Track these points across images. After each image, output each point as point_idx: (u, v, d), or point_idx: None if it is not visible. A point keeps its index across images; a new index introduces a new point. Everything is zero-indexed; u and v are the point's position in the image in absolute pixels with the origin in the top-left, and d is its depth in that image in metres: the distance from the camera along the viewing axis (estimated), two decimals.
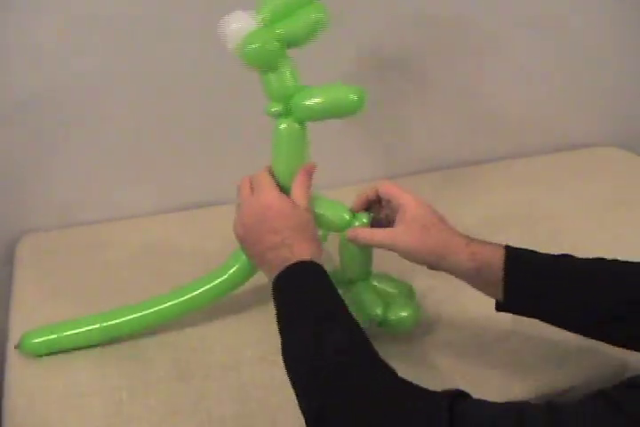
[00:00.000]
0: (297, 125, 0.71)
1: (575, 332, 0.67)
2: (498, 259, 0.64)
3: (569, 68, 1.14)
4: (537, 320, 0.75)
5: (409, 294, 0.79)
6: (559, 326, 0.67)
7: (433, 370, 0.75)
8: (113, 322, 0.77)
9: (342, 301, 0.61)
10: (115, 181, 1.00)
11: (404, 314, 0.74)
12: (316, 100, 0.68)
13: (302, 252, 0.64)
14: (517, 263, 0.64)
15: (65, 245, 0.97)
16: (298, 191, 0.71)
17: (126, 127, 0.95)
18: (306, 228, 0.67)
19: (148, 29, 0.87)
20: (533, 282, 0.64)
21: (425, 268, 0.70)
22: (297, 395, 0.56)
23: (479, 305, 0.83)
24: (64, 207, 1.01)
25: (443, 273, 0.79)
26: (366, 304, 0.75)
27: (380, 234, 0.69)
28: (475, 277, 0.66)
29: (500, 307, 0.67)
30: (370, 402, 0.51)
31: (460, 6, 0.99)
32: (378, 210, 0.74)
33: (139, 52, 0.88)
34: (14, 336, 0.80)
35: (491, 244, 0.67)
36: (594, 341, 0.75)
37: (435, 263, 0.67)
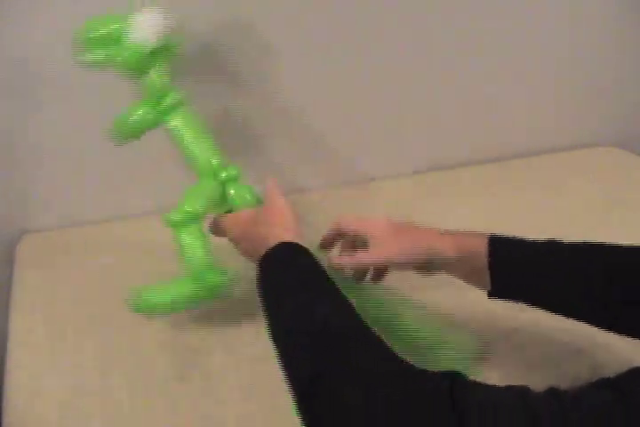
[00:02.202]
0: None
1: (567, 316, 0.66)
2: (482, 247, 0.65)
3: (569, 68, 1.14)
4: (536, 321, 0.75)
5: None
6: (549, 311, 0.66)
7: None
8: None
9: (330, 279, 0.61)
10: (115, 181, 1.00)
11: None
12: None
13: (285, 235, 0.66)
14: (502, 250, 0.65)
15: (65, 245, 0.97)
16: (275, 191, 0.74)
17: None
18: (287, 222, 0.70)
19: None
20: (519, 268, 0.65)
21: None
22: (285, 365, 0.54)
23: (479, 305, 0.83)
24: (64, 207, 1.01)
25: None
26: None
27: (364, 256, 0.70)
28: (461, 268, 0.67)
29: (490, 294, 0.67)
30: (369, 374, 0.49)
31: (461, 7, 0.99)
32: (348, 244, 0.75)
33: None
34: (14, 336, 0.80)
35: (473, 233, 0.67)
36: (594, 341, 0.75)
37: (422, 260, 0.68)
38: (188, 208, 0.74)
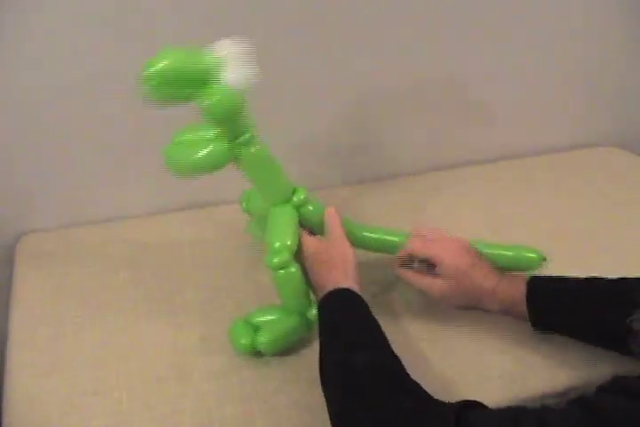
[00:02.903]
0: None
1: (608, 349, 0.72)
2: (520, 296, 0.72)
3: (569, 69, 1.14)
4: None
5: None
6: (594, 345, 0.73)
7: (433, 370, 0.75)
8: None
9: (378, 325, 0.67)
10: (115, 181, 1.00)
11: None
12: None
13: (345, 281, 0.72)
14: (539, 298, 0.72)
15: (65, 245, 0.97)
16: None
17: (126, 127, 0.95)
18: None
19: (149, 29, 0.87)
20: (557, 314, 0.72)
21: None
22: (326, 401, 0.62)
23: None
24: (64, 207, 1.01)
25: None
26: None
27: (423, 281, 0.78)
28: (506, 314, 0.76)
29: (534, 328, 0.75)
30: (384, 420, 0.56)
31: (460, 5, 0.99)
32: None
33: (139, 52, 0.88)
34: (15, 336, 0.80)
35: (515, 280, 0.74)
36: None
37: (468, 307, 0.79)
38: (284, 247, 0.72)
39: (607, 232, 0.99)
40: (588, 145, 1.25)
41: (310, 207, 0.79)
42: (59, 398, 0.71)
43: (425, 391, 0.58)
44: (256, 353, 0.75)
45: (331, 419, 0.59)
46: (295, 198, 0.78)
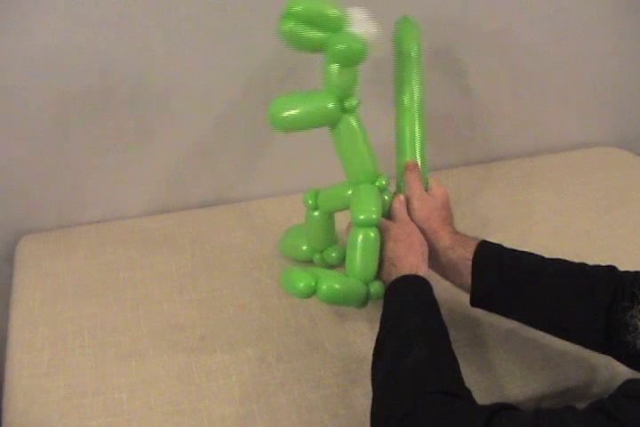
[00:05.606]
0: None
1: (540, 329, 0.70)
2: (470, 255, 0.70)
3: (568, 68, 1.14)
4: None
5: None
6: (526, 324, 0.71)
7: None
8: None
9: (443, 322, 0.65)
10: (114, 181, 1.00)
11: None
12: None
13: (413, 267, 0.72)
14: (485, 262, 0.70)
15: (65, 245, 0.97)
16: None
17: (126, 127, 0.95)
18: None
19: (149, 29, 0.87)
20: (498, 280, 0.69)
21: None
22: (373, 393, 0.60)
23: None
24: (64, 207, 1.01)
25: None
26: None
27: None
28: (449, 269, 0.73)
29: (472, 302, 0.72)
30: (418, 419, 0.54)
31: (461, 6, 0.99)
32: None
33: (139, 52, 0.88)
34: (14, 336, 0.80)
35: (470, 239, 0.73)
36: None
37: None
38: (369, 210, 0.74)
39: (607, 232, 0.99)
40: (587, 145, 1.25)
41: (386, 197, 0.80)
42: (59, 398, 0.71)
43: (462, 394, 0.57)
44: (309, 296, 0.72)
45: (372, 415, 0.58)
46: (377, 183, 0.79)
